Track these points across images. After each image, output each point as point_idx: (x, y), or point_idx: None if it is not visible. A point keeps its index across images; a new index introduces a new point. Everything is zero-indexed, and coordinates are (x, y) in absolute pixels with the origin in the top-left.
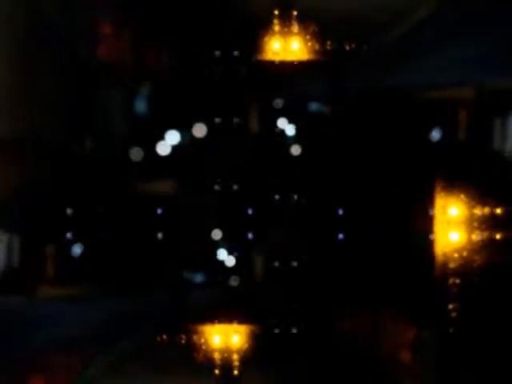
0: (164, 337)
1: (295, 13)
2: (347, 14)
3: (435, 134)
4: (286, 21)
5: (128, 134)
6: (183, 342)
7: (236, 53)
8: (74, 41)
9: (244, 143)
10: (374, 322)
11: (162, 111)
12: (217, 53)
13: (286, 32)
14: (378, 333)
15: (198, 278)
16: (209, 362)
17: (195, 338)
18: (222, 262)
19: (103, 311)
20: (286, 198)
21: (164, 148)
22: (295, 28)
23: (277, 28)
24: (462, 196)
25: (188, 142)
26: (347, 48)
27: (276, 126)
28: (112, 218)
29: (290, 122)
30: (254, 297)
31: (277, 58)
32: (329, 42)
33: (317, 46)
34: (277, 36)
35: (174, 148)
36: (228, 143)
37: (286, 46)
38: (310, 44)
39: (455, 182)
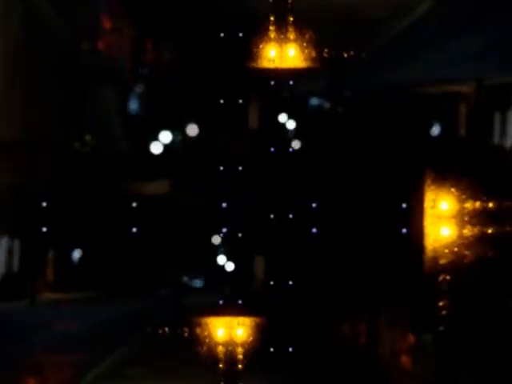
0: (164, 341)
1: (291, 19)
2: (347, 11)
3: (435, 129)
4: (282, 27)
5: (125, 133)
6: (183, 346)
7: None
8: (71, 39)
9: (243, 141)
10: (374, 326)
11: (160, 110)
12: (215, 56)
13: (282, 39)
14: (377, 336)
15: (197, 282)
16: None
17: (196, 338)
18: (221, 267)
19: (103, 315)
20: (285, 196)
21: (160, 147)
22: (292, 35)
23: (273, 35)
24: (460, 190)
25: (186, 141)
26: (345, 55)
27: (276, 122)
28: (109, 221)
29: (290, 117)
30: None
31: (272, 65)
32: (326, 50)
33: (314, 53)
34: (273, 43)
35: (173, 147)
36: (226, 141)
37: (283, 53)
38: (307, 51)
39: (452, 177)
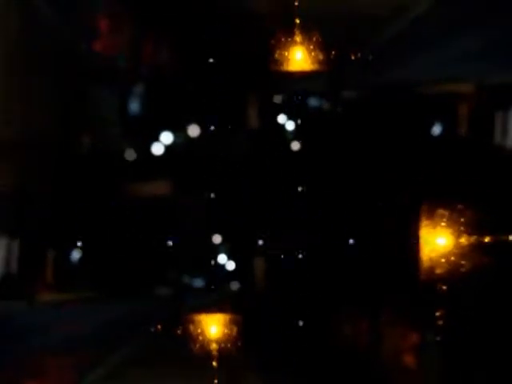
0: (165, 342)
1: (298, 21)
2: (346, 9)
3: (435, 130)
4: (288, 28)
5: (124, 134)
6: (184, 347)
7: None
8: (71, 39)
9: (243, 140)
10: (376, 327)
11: (160, 110)
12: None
13: (287, 40)
14: (379, 337)
15: (198, 282)
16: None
17: (196, 338)
18: (222, 266)
19: (103, 316)
20: (286, 197)
21: (161, 148)
22: (298, 36)
23: (279, 35)
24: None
25: (186, 141)
26: (352, 57)
27: (276, 122)
28: (109, 221)
29: (290, 118)
30: (255, 302)
31: (277, 66)
32: (333, 52)
33: (320, 55)
34: (279, 43)
35: (172, 148)
36: (226, 141)
37: (289, 55)
38: (313, 53)
39: (453, 179)
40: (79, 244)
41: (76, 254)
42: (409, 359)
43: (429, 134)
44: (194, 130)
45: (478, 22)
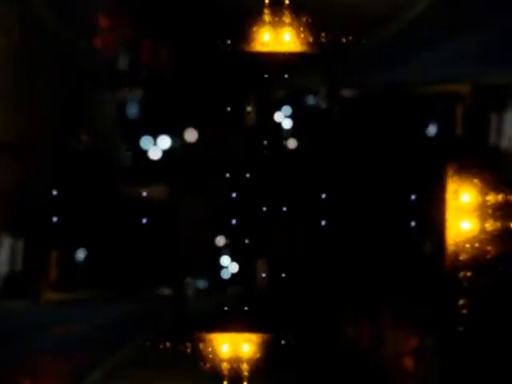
0: (166, 343)
1: (287, 1)
2: (345, 8)
3: (431, 129)
4: (278, 10)
5: (123, 137)
6: (186, 348)
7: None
8: (69, 40)
9: (241, 139)
10: (377, 329)
11: (158, 114)
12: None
13: (279, 23)
14: (380, 340)
15: (201, 283)
16: (212, 369)
17: (198, 344)
18: (224, 268)
19: (105, 316)
20: (285, 197)
21: (158, 152)
22: (288, 18)
23: (268, 18)
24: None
25: (184, 142)
26: (344, 40)
27: (273, 121)
28: (112, 223)
29: (287, 116)
30: (257, 303)
31: (269, 49)
32: (323, 34)
33: (312, 38)
34: (269, 27)
35: (171, 150)
36: (224, 142)
37: (280, 38)
38: (304, 35)
39: (451, 178)
40: (83, 244)
41: (80, 254)
42: (409, 361)
43: (424, 133)
44: (191, 135)
45: (474, 23)
